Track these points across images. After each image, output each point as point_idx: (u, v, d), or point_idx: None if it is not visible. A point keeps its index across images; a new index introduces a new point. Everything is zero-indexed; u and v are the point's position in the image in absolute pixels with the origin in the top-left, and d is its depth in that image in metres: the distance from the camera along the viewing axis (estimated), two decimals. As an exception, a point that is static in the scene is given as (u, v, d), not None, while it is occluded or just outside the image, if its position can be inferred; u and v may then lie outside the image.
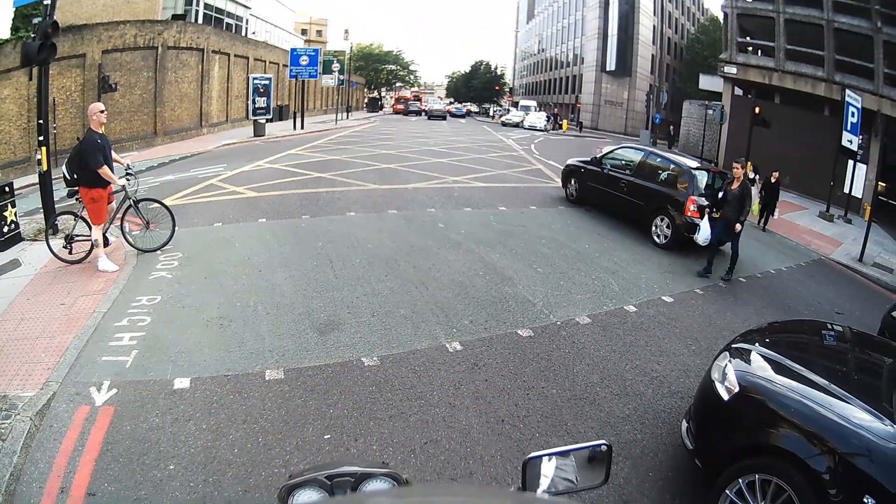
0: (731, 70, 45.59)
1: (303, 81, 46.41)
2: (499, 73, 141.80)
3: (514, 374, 8.35)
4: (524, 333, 9.66)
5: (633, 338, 10.25)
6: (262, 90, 40.89)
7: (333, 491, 2.10)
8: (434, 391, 7.57)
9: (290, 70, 44.84)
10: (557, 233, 16.34)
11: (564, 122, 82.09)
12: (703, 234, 14.78)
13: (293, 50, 46.17)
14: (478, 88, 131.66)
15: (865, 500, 4.96)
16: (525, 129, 70.29)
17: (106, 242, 11.28)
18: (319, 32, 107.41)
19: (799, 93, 40.92)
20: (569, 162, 21.93)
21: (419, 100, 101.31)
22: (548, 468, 2.46)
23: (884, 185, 39.81)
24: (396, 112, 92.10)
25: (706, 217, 14.87)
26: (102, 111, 11.02)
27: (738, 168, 14.42)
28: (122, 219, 11.97)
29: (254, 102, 40.60)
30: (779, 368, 6.39)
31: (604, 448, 2.55)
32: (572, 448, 2.51)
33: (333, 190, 19.25)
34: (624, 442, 7.19)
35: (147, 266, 11.11)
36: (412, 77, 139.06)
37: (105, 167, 10.61)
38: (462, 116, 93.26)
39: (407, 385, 7.63)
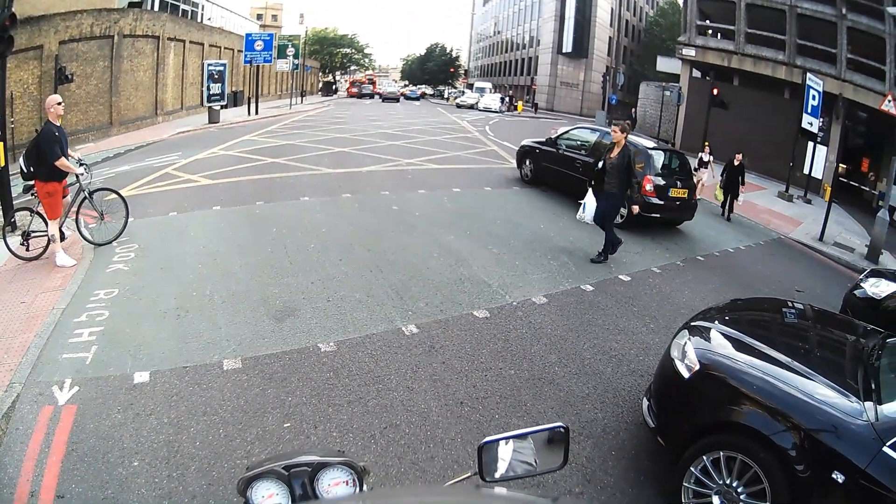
0: (690, 52, 45.95)
1: (257, 67, 45.88)
2: (454, 55, 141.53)
3: (472, 355, 8.37)
4: (480, 315, 9.69)
5: (590, 317, 10.29)
6: (216, 76, 40.76)
7: (291, 481, 2.12)
8: (392, 375, 7.57)
9: (245, 55, 44.47)
10: (512, 213, 16.41)
11: (519, 103, 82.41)
12: (588, 211, 13.62)
13: (248, 35, 45.70)
14: (433, 71, 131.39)
15: (834, 475, 5.05)
16: (480, 110, 70.45)
17: (62, 237, 11.09)
18: (275, 17, 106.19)
19: (759, 75, 41.33)
20: (523, 143, 22.04)
21: (373, 83, 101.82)
22: (505, 452, 2.48)
23: (845, 166, 40.32)
24: (351, 95, 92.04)
25: (590, 192, 13.73)
26: (60, 103, 10.89)
27: (616, 131, 13.43)
28: (77, 212, 11.80)
29: (208, 89, 40.42)
30: (739, 346, 6.42)
31: (561, 430, 2.56)
32: (528, 431, 2.52)
33: (287, 175, 19.19)
34: (585, 421, 7.22)
35: (104, 259, 11.00)
36: (367, 60, 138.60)
37: (63, 158, 10.49)
38: (416, 99, 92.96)
39: (364, 370, 7.63)
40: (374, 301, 9.76)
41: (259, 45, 43.91)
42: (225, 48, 49.93)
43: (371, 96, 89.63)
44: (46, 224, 10.90)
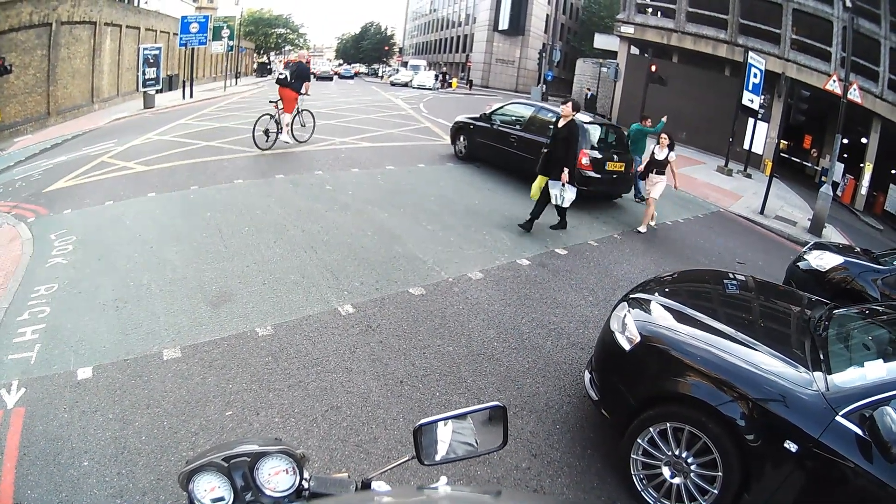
0: (629, 30, 46.51)
1: (192, 49, 45.22)
2: (389, 33, 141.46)
3: (409, 333, 8.42)
4: (416, 292, 9.76)
5: (527, 291, 10.41)
6: (152, 60, 39.59)
7: (231, 473, 2.12)
8: (330, 357, 7.59)
9: (181, 38, 43.44)
10: (446, 190, 16.48)
11: (454, 80, 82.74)
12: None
13: (184, 18, 44.67)
14: (367, 49, 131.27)
15: (787, 445, 5.16)
16: (414, 88, 70.48)
17: None
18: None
19: (699, 53, 41.86)
20: (458, 119, 22.01)
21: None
22: (444, 433, 2.48)
23: (787, 143, 40.92)
24: None
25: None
26: None
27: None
28: None
29: (144, 74, 39.24)
30: (681, 317, 6.48)
31: (499, 409, 2.56)
32: (466, 411, 2.53)
33: (221, 158, 18.96)
34: (527, 395, 7.28)
35: (43, 254, 10.80)
36: (302, 40, 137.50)
37: None
38: (350, 77, 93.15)
39: (302, 352, 7.64)
40: (309, 282, 9.75)
41: (194, 28, 43.02)
42: (161, 31, 48.96)
43: None
44: None
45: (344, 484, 2.30)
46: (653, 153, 16.21)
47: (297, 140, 21.92)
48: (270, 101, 20.97)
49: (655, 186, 15.93)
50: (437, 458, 2.44)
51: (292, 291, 9.39)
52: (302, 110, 21.97)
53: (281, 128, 20.70)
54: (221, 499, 2.12)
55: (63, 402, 6.43)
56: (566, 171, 13.26)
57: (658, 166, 15.89)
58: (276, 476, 2.17)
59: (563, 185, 13.35)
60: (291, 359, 7.49)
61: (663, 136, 16.14)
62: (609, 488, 6.06)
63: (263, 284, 9.56)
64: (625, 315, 6.64)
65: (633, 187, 19.07)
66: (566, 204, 13.69)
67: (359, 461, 5.73)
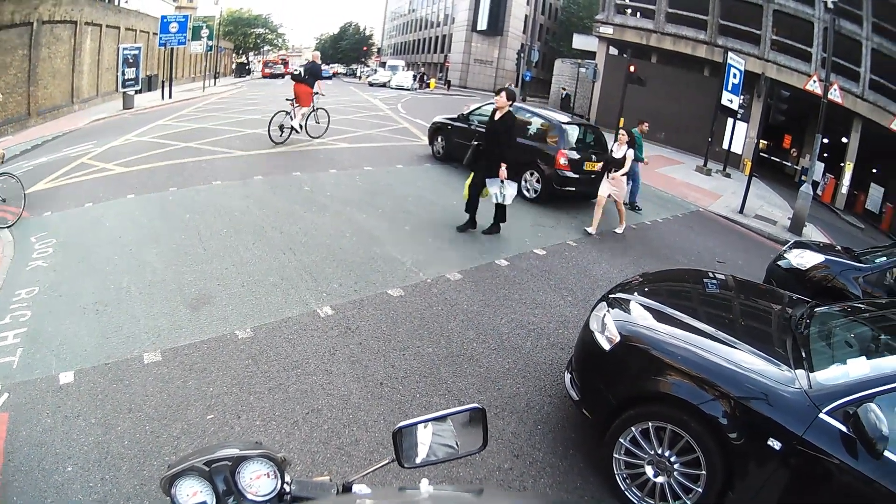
0: (608, 30, 46.82)
1: (172, 49, 44.96)
2: (367, 34, 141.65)
3: (388, 335, 8.43)
4: (395, 293, 9.78)
5: (506, 291, 10.45)
6: (131, 61, 39.05)
7: (213, 477, 2.12)
8: (310, 359, 7.59)
9: (160, 38, 43.14)
10: (424, 190, 16.54)
11: (432, 80, 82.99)
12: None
13: (163, 17, 44.21)
14: (346, 50, 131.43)
15: (770, 443, 5.21)
16: (392, 88, 70.73)
17: None
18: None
19: (678, 54, 42.13)
20: (435, 119, 22.12)
21: (286, 64, 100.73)
22: (424, 436, 2.48)
23: (766, 143, 41.22)
24: (265, 76, 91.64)
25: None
26: None
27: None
28: None
29: (124, 74, 38.64)
30: (661, 317, 6.47)
31: (478, 410, 2.56)
32: (445, 413, 2.53)
33: (200, 159, 18.87)
34: (507, 396, 7.32)
35: (24, 257, 10.72)
36: (280, 41, 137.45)
37: None
38: (329, 78, 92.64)
39: (282, 355, 7.63)
40: (288, 284, 9.74)
41: (174, 28, 42.69)
42: (141, 31, 48.42)
43: (283, 76, 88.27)
44: None
45: (325, 487, 2.30)
46: (611, 151, 16.04)
47: (309, 136, 23.46)
48: (287, 100, 22.39)
49: (620, 184, 15.57)
50: (418, 460, 2.46)
51: (271, 293, 9.38)
52: (317, 108, 23.37)
53: (294, 116, 22.16)
54: (204, 503, 2.13)
55: (46, 406, 6.38)
56: (504, 166, 12.83)
57: (617, 165, 15.51)
58: (257, 480, 2.17)
59: (502, 181, 12.96)
60: (271, 361, 7.47)
61: (622, 132, 15.88)
62: (592, 488, 6.07)
63: (242, 286, 9.54)
64: (604, 315, 6.63)
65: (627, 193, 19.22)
66: (508, 201, 13.28)
67: (341, 464, 5.73)
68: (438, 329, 8.81)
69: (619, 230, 15.69)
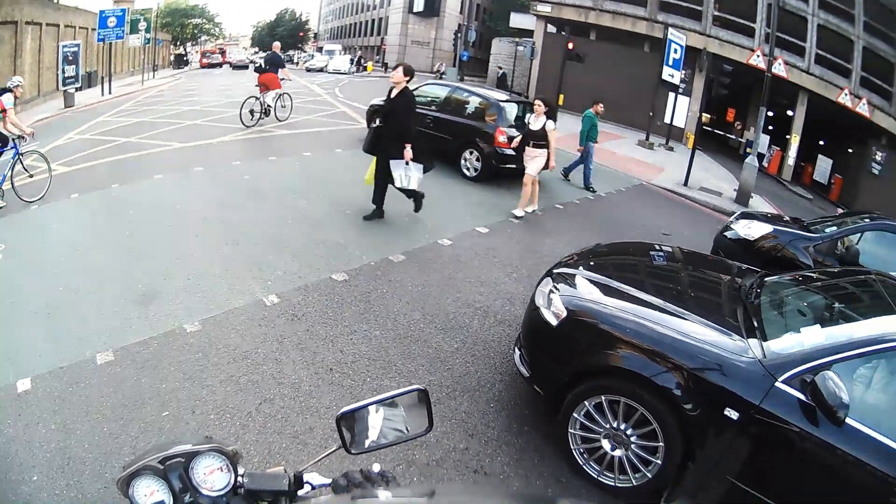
0: (545, 9, 46.78)
1: (110, 44, 44.10)
2: (303, 19, 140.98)
3: (335, 320, 8.46)
4: (339, 278, 9.81)
5: (451, 271, 10.54)
6: (71, 58, 38.35)
7: (167, 475, 2.11)
8: (259, 348, 7.56)
9: (99, 34, 42.03)
10: (363, 174, 16.21)
11: (369, 64, 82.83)
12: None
13: (102, 12, 42.75)
14: (283, 36, 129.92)
15: (727, 412, 5.16)
16: (329, 73, 70.79)
17: None
18: None
19: (617, 30, 42.30)
20: (372, 102, 21.72)
21: (223, 53, 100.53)
22: (370, 420, 2.48)
23: (709, 116, 41.71)
24: (203, 66, 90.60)
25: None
26: None
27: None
28: None
29: (64, 72, 37.95)
30: (607, 290, 6.46)
31: (421, 392, 2.56)
32: (385, 397, 2.51)
33: (141, 154, 18.68)
34: (458, 376, 7.40)
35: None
36: (218, 30, 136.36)
37: None
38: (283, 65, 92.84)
39: (231, 346, 7.59)
40: (232, 274, 9.69)
41: (112, 22, 41.55)
42: (80, 27, 47.38)
43: (221, 65, 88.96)
44: None
45: (277, 478, 2.28)
46: (528, 124, 15.34)
47: (278, 118, 25.30)
48: (256, 86, 24.68)
49: (533, 161, 14.88)
50: (365, 445, 2.46)
51: (217, 285, 9.31)
52: (282, 93, 25.58)
53: (265, 106, 24.49)
54: (162, 502, 2.11)
55: (7, 416, 6.27)
56: (409, 147, 12.22)
57: (535, 138, 14.84)
58: (211, 475, 2.16)
59: (407, 163, 12.39)
60: (221, 354, 7.42)
61: (538, 102, 15.12)
62: (550, 464, 6.07)
63: (188, 280, 9.46)
64: (549, 290, 6.60)
65: (585, 177, 19.38)
66: (413, 185, 12.67)
67: (297, 452, 5.71)
68: (385, 312, 8.83)
69: (517, 213, 14.91)
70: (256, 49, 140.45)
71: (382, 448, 2.48)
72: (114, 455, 5.57)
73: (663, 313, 5.93)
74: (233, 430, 5.98)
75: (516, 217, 14.68)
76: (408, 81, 12.37)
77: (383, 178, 12.67)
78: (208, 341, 7.68)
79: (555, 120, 15.11)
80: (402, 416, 2.54)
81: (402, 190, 12.79)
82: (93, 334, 7.81)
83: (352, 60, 79.67)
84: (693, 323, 5.80)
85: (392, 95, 12.45)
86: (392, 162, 12.39)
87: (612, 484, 5.89)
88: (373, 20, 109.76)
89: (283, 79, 24.84)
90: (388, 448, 2.49)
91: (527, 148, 14.94)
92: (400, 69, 12.31)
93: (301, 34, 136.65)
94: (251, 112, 23.77)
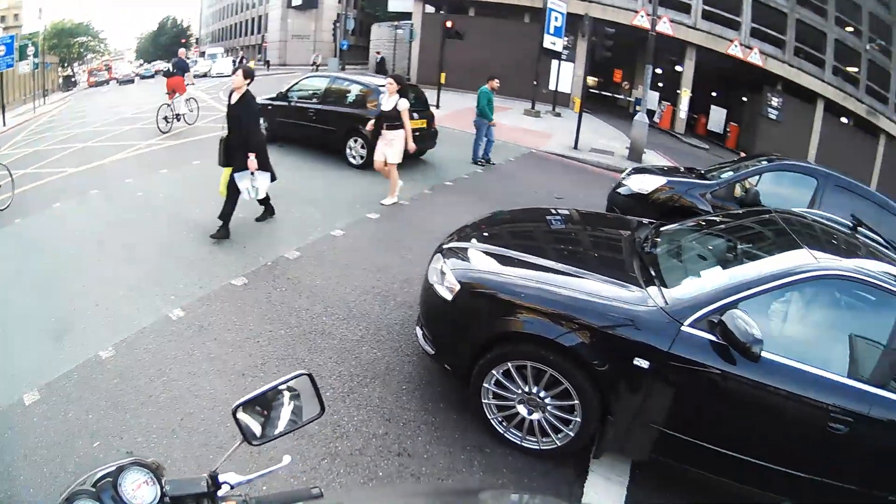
0: (422, -11, 46.69)
1: (1, 74, 41.84)
2: (185, 25, 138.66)
3: (240, 325, 8.51)
4: (238, 282, 9.90)
5: (346, 260, 10.73)
6: None
7: (100, 496, 2.18)
8: (171, 365, 7.57)
9: None
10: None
11: (251, 62, 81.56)
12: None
13: None
14: (166, 45, 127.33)
15: (637, 362, 5.24)
16: (213, 77, 69.98)
17: None
18: (16, 16, 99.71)
19: (496, 3, 42.54)
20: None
21: (109, 69, 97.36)
22: (265, 411, 2.66)
23: (596, 79, 42.24)
24: (91, 85, 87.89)
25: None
26: None
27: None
28: None
29: None
30: (502, 259, 6.49)
31: (306, 377, 2.72)
32: (273, 385, 2.67)
33: (38, 184, 18.29)
34: (366, 363, 7.54)
35: None
36: (103, 46, 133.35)
37: None
38: (151, 76, 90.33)
39: (146, 366, 7.59)
40: (137, 294, 9.61)
41: (1, 51, 40.07)
42: None
43: (108, 83, 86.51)
44: None
45: (196, 482, 2.40)
46: (379, 105, 14.57)
47: (187, 123, 26.66)
48: (166, 93, 25.90)
49: (391, 146, 14.09)
50: (265, 435, 2.63)
51: (124, 307, 9.23)
52: (189, 98, 27.12)
53: (176, 109, 25.84)
54: None
55: None
56: (252, 156, 11.42)
57: (388, 119, 13.93)
58: (139, 490, 2.24)
59: (253, 173, 11.58)
60: (137, 376, 7.41)
61: (389, 81, 14.18)
62: (472, 437, 6.19)
63: (96, 306, 9.34)
64: (441, 266, 6.63)
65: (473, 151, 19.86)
66: (261, 195, 12.15)
67: (225, 462, 5.53)
68: (287, 310, 8.95)
69: (386, 202, 14.51)
70: (141, 62, 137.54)
71: (282, 436, 2.61)
72: (56, 496, 5.27)
73: (559, 275, 5.96)
74: (160, 449, 6.02)
75: (382, 205, 14.42)
76: (248, 84, 11.61)
77: (235, 191, 11.78)
78: (124, 365, 7.63)
79: (409, 98, 14.39)
80: (294, 404, 2.68)
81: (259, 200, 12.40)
82: (15, 375, 7.69)
83: (234, 62, 77.53)
84: (590, 280, 5.86)
85: (232, 101, 11.67)
86: (236, 175, 11.56)
87: (537, 447, 5.97)
88: (253, 18, 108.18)
89: (188, 83, 26.40)
90: (298, 440, 2.59)
91: (382, 132, 14.15)
92: (239, 72, 11.64)
93: (183, 41, 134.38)
94: (165, 119, 24.88)
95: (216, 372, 7.35)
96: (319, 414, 2.71)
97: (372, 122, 14.73)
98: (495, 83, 20.22)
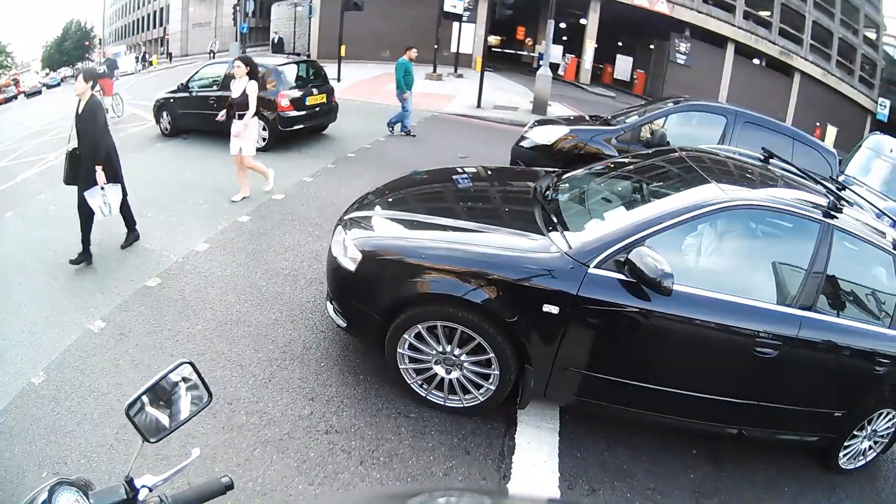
0: (317, -37, 46.42)
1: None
2: (88, 28, 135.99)
3: (158, 326, 8.52)
4: (153, 283, 9.85)
5: (254, 246, 10.84)
6: None
7: None
8: (100, 379, 7.62)
9: None
10: (160, 172, 16.44)
11: (154, 58, 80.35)
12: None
13: None
14: (70, 50, 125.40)
15: (547, 309, 5.30)
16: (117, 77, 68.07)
17: None
18: None
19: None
20: (157, 97, 22.07)
21: (17, 83, 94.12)
22: (158, 406, 2.73)
23: (499, 38, 42.48)
24: (0, 103, 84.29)
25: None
26: None
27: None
28: None
29: None
30: (406, 223, 6.62)
31: (187, 365, 2.80)
32: (158, 379, 2.72)
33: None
34: (283, 345, 7.64)
35: None
36: (10, 59, 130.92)
37: None
38: (58, 85, 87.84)
39: (76, 385, 7.61)
40: (58, 312, 9.52)
41: None
42: None
43: (16, 97, 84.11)
44: None
45: (115, 490, 2.47)
46: (230, 92, 13.69)
47: (116, 115, 26.98)
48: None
49: (244, 135, 13.42)
50: (161, 430, 2.68)
51: (48, 327, 9.15)
52: (115, 94, 28.47)
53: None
54: None
55: None
56: (100, 169, 10.34)
57: (240, 108, 13.16)
58: None
59: (102, 188, 10.49)
60: (70, 396, 7.44)
61: (237, 63, 13.42)
62: (396, 404, 6.35)
63: (23, 332, 9.22)
64: (343, 238, 6.64)
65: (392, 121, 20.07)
66: (115, 212, 11.05)
67: (165, 470, 5.56)
68: (202, 304, 9.02)
69: (235, 198, 13.91)
70: (48, 70, 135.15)
71: (177, 428, 2.69)
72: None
73: (463, 232, 6.02)
74: (103, 467, 6.10)
75: (233, 201, 13.86)
76: (92, 88, 10.27)
77: (87, 211, 10.65)
78: (56, 388, 7.64)
79: (257, 79, 13.42)
80: (184, 394, 2.75)
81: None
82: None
83: (136, 58, 77.38)
84: (493, 234, 5.91)
85: (79, 111, 10.30)
86: (86, 194, 10.46)
87: (461, 405, 6.06)
88: (155, 12, 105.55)
89: (115, 79, 26.96)
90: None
91: (234, 121, 13.31)
92: (80, 77, 10.27)
93: (87, 43, 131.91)
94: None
95: (142, 378, 6.93)
96: (209, 400, 2.77)
97: (223, 112, 13.83)
98: (413, 53, 20.47)
